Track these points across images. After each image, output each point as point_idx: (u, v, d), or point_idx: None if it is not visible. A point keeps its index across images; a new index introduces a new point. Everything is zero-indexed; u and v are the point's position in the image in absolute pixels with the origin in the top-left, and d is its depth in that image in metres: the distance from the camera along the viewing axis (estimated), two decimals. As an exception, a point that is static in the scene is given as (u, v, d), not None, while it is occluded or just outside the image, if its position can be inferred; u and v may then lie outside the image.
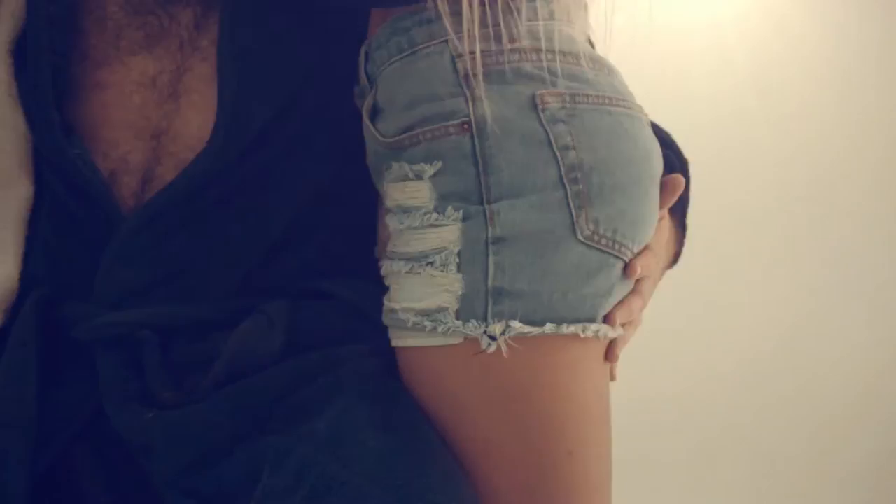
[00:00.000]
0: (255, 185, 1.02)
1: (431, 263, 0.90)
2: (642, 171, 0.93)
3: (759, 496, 2.37)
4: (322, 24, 1.02)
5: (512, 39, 0.90)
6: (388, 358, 0.98)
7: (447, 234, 0.89)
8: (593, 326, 0.90)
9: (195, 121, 1.01)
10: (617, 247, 0.91)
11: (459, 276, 0.88)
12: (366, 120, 0.97)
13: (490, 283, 0.88)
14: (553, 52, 0.91)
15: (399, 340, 0.94)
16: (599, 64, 0.94)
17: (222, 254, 1.02)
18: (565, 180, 0.87)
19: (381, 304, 0.99)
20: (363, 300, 1.02)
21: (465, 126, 0.88)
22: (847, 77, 2.32)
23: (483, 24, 0.90)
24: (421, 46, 0.92)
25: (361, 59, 0.99)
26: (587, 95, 0.90)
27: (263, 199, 1.03)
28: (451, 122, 0.89)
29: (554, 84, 0.90)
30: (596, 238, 0.89)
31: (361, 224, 1.11)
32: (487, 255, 0.88)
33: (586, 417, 0.92)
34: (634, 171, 0.92)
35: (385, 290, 1.01)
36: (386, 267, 0.96)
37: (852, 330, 2.43)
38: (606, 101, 0.91)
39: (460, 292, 0.88)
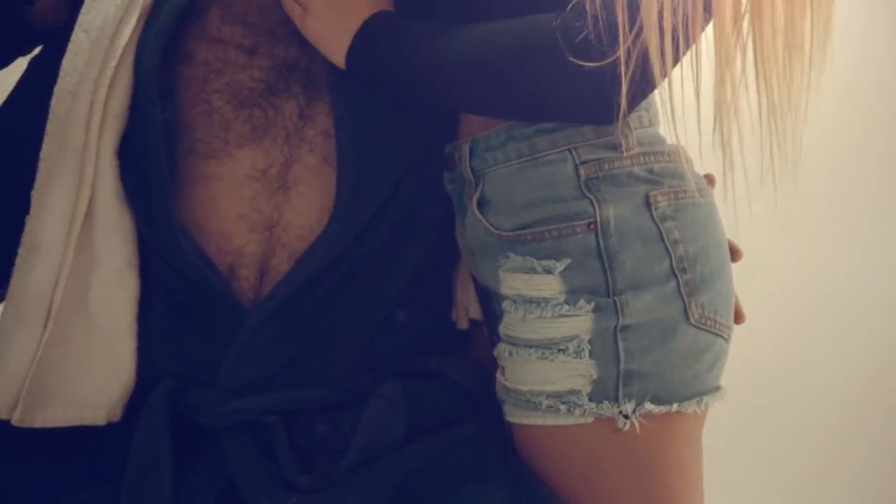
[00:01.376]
0: (365, 269, 1.06)
1: (563, 350, 0.97)
2: (725, 251, 1.04)
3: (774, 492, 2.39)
4: (421, 116, 1.07)
5: (627, 148, 0.98)
6: (500, 434, 1.04)
7: (579, 324, 0.96)
8: (706, 398, 0.99)
9: (305, 210, 1.04)
10: (718, 326, 1.00)
11: (593, 361, 0.96)
12: (474, 211, 1.03)
13: (621, 366, 0.96)
14: (658, 154, 1.00)
15: (524, 419, 1.01)
16: (685, 157, 1.03)
17: (338, 337, 1.06)
18: (676, 271, 0.97)
19: (480, 381, 1.07)
20: (463, 377, 1.08)
21: (591, 226, 0.96)
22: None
23: (603, 134, 0.98)
24: (543, 153, 0.99)
25: (464, 153, 1.04)
26: (685, 191, 1.00)
27: (372, 281, 1.07)
28: (577, 223, 0.97)
29: (660, 184, 0.99)
30: (703, 320, 0.98)
31: (446, 295, 1.17)
32: (617, 342, 0.96)
33: (695, 483, 1.01)
34: (723, 253, 1.03)
35: (470, 360, 1.08)
36: (502, 349, 1.02)
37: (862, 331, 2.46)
38: (697, 192, 1.01)
39: (594, 376, 0.96)
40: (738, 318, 1.07)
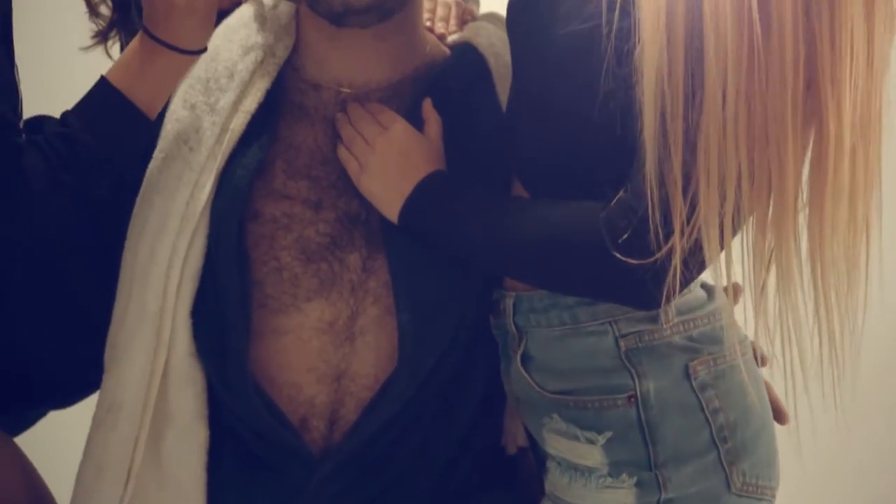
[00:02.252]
0: (428, 413, 1.11)
1: None
2: (766, 408, 1.06)
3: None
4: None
5: (667, 320, 1.00)
6: None
7: (622, 497, 1.00)
8: None
9: (370, 360, 1.08)
10: (760, 490, 1.03)
11: None
12: (518, 366, 1.06)
13: None
14: (698, 319, 1.01)
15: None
16: (727, 310, 1.02)
17: (404, 480, 1.10)
18: (717, 440, 1.00)
19: None
20: None
21: (632, 399, 0.99)
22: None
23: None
24: (584, 324, 1.01)
25: (509, 306, 1.07)
26: (724, 356, 1.01)
27: (435, 424, 1.11)
28: (618, 396, 1.00)
29: (700, 352, 1.00)
30: (745, 487, 1.01)
31: (498, 425, 1.21)
32: None
33: None
34: (764, 412, 1.05)
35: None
36: None
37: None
38: (737, 353, 1.00)
39: None
40: (780, 418, 1.08)
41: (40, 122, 1.07)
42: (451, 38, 1.19)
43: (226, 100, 1.08)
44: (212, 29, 1.02)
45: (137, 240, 1.06)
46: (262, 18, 1.13)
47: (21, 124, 1.00)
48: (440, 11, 1.22)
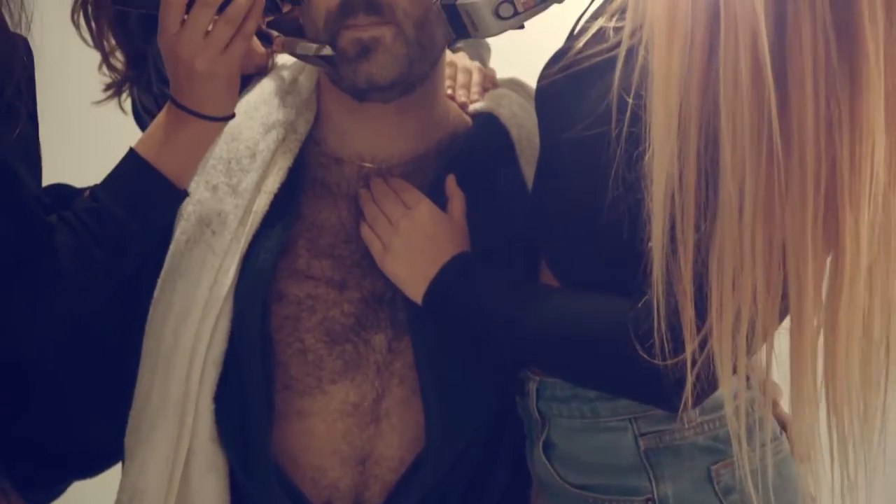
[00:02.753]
0: (454, 496, 1.09)
1: None
2: None
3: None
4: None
5: (689, 420, 0.97)
6: None
7: None
8: None
9: (396, 442, 1.07)
10: None
11: None
12: (540, 454, 1.04)
13: None
14: (723, 417, 0.93)
15: None
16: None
17: None
18: None
19: None
20: None
21: (649, 502, 0.97)
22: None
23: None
24: (604, 419, 0.99)
25: (532, 391, 1.05)
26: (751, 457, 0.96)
27: None
28: (636, 498, 0.97)
29: (724, 453, 0.96)
30: None
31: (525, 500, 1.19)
32: None
33: None
34: None
35: None
36: None
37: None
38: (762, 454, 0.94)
39: None
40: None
41: (67, 194, 1.07)
42: (472, 107, 1.18)
43: (248, 181, 1.07)
44: (237, 94, 1.01)
45: (161, 325, 1.05)
46: (282, 93, 1.11)
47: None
48: (461, 78, 1.20)
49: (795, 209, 0.79)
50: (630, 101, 0.84)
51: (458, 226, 1.07)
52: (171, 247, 1.06)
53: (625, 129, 0.84)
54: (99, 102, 1.35)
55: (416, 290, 1.04)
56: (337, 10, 1.00)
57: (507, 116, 1.14)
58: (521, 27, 1.02)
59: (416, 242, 1.04)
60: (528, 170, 1.12)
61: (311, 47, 1.03)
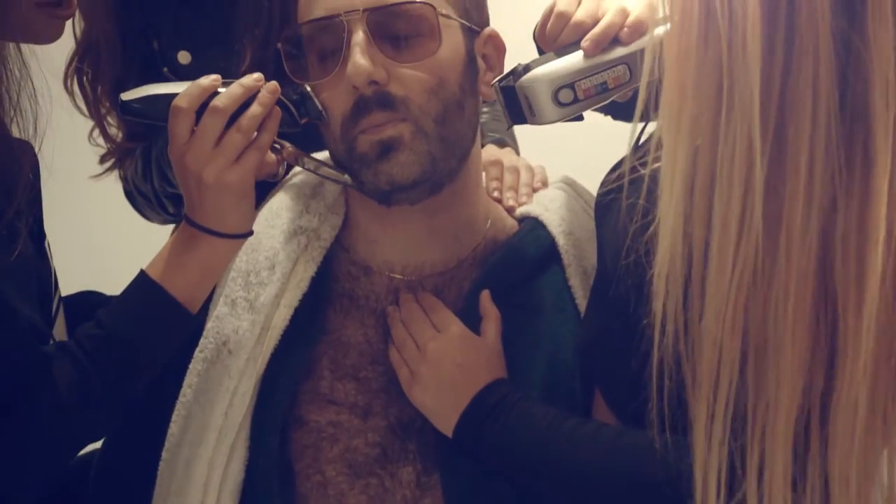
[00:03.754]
0: None
1: None
2: None
3: None
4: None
5: None
6: None
7: None
8: None
9: None
10: None
11: None
12: None
13: None
14: None
15: None
16: None
17: None
18: None
19: None
20: None
21: None
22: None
23: None
24: None
25: None
26: None
27: None
28: None
29: None
30: None
31: None
32: None
33: None
34: None
35: None
36: None
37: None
38: None
39: None
40: None
41: (94, 302, 1.02)
42: (518, 211, 1.08)
43: (266, 294, 0.99)
44: (252, 209, 0.94)
45: (174, 454, 0.98)
46: (306, 198, 1.04)
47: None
48: (508, 179, 1.10)
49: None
50: None
51: (492, 349, 0.98)
52: (190, 366, 1.00)
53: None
54: (96, 177, 1.31)
55: (445, 422, 0.95)
56: (350, 111, 0.93)
57: (554, 222, 1.04)
58: (580, 118, 0.96)
59: (444, 370, 0.95)
60: (577, 283, 1.02)
61: (331, 173, 0.98)
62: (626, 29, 0.92)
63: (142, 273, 0.93)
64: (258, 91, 0.91)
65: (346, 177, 0.97)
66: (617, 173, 0.89)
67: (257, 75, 0.92)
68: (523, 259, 1.03)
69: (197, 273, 0.93)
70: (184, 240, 0.93)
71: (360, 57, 0.90)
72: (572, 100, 0.93)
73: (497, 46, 1.01)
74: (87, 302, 1.10)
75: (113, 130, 1.23)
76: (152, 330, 0.92)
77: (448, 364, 0.96)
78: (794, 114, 0.70)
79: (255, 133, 0.91)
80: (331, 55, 0.93)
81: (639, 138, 0.91)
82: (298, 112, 0.95)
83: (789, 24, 0.69)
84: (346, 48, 0.91)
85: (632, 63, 0.92)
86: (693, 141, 0.74)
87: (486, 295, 1.00)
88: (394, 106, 0.92)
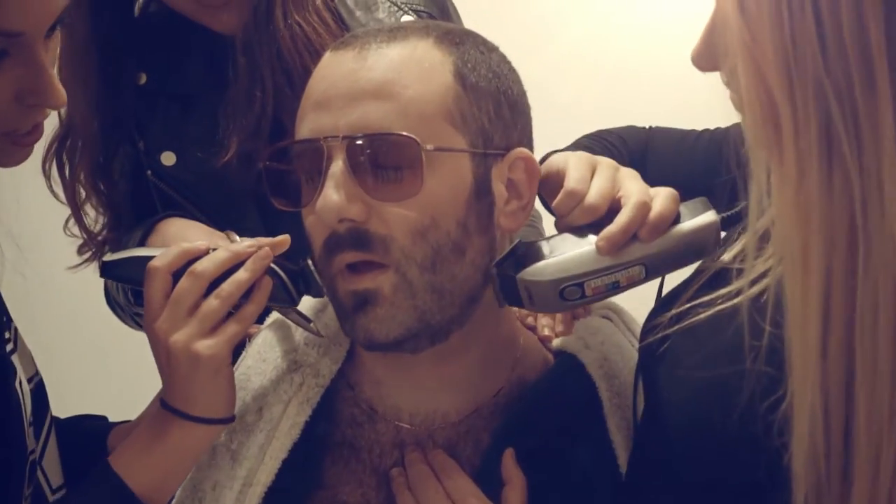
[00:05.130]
0: None
1: None
2: None
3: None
4: None
5: None
6: None
7: None
8: None
9: None
10: None
11: None
12: None
13: None
14: None
15: None
16: None
17: None
18: None
19: None
20: None
21: None
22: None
23: None
24: None
25: None
26: None
27: None
28: None
29: None
30: None
31: None
32: None
33: None
34: None
35: None
36: None
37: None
38: None
39: None
40: None
41: (90, 428, 0.95)
42: (554, 343, 0.92)
43: (251, 444, 0.85)
44: (231, 389, 0.84)
45: None
46: (304, 327, 0.90)
47: None
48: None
49: None
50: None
51: None
52: None
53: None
54: (73, 268, 1.20)
55: None
56: (323, 246, 0.80)
57: (593, 363, 0.88)
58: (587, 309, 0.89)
59: None
60: (620, 440, 0.86)
61: (299, 320, 0.88)
62: (646, 226, 0.79)
63: (105, 464, 0.82)
64: (247, 258, 0.80)
65: (313, 325, 0.87)
66: (669, 315, 0.73)
67: (251, 241, 0.82)
68: (555, 406, 0.87)
69: (164, 465, 0.82)
70: (154, 423, 0.82)
71: (331, 191, 0.77)
72: (579, 296, 0.82)
73: (529, 170, 0.84)
74: (81, 426, 1.00)
75: (89, 221, 1.12)
76: None
77: None
78: None
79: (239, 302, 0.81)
80: (317, 178, 0.79)
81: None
82: (296, 287, 0.84)
83: None
84: (323, 176, 0.77)
85: (650, 263, 0.81)
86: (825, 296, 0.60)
87: (509, 455, 0.84)
88: (369, 247, 0.78)
